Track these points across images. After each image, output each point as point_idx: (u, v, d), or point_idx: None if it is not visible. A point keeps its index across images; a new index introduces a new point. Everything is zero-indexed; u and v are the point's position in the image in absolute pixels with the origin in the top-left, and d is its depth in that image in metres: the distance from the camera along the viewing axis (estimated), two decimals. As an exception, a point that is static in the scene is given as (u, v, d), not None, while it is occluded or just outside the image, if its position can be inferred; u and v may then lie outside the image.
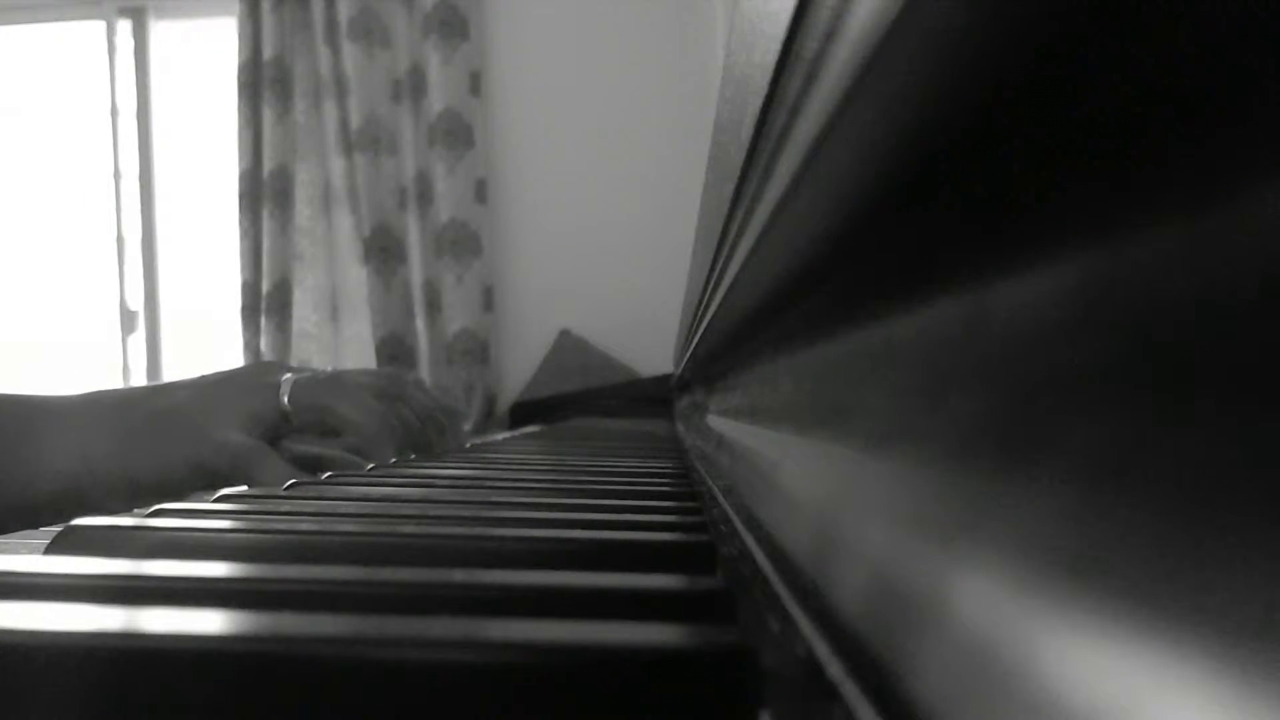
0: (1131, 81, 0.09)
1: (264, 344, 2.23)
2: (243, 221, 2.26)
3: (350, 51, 2.19)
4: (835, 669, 0.12)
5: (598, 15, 2.22)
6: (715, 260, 0.38)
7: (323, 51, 2.22)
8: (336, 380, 0.62)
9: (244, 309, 2.27)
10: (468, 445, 0.82)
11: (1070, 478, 0.08)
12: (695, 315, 0.61)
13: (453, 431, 1.10)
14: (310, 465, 0.63)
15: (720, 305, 0.42)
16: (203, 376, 0.63)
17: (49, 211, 2.55)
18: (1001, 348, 0.11)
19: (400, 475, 0.48)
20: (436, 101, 2.19)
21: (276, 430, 0.60)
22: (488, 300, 2.23)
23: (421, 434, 0.69)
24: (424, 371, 2.21)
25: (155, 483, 0.55)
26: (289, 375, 0.62)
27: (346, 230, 2.28)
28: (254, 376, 0.63)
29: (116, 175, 2.47)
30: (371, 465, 0.55)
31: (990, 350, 0.12)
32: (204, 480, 0.56)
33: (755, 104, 0.19)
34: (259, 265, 2.26)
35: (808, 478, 0.19)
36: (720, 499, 0.30)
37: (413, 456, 0.67)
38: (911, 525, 0.11)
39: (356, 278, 2.27)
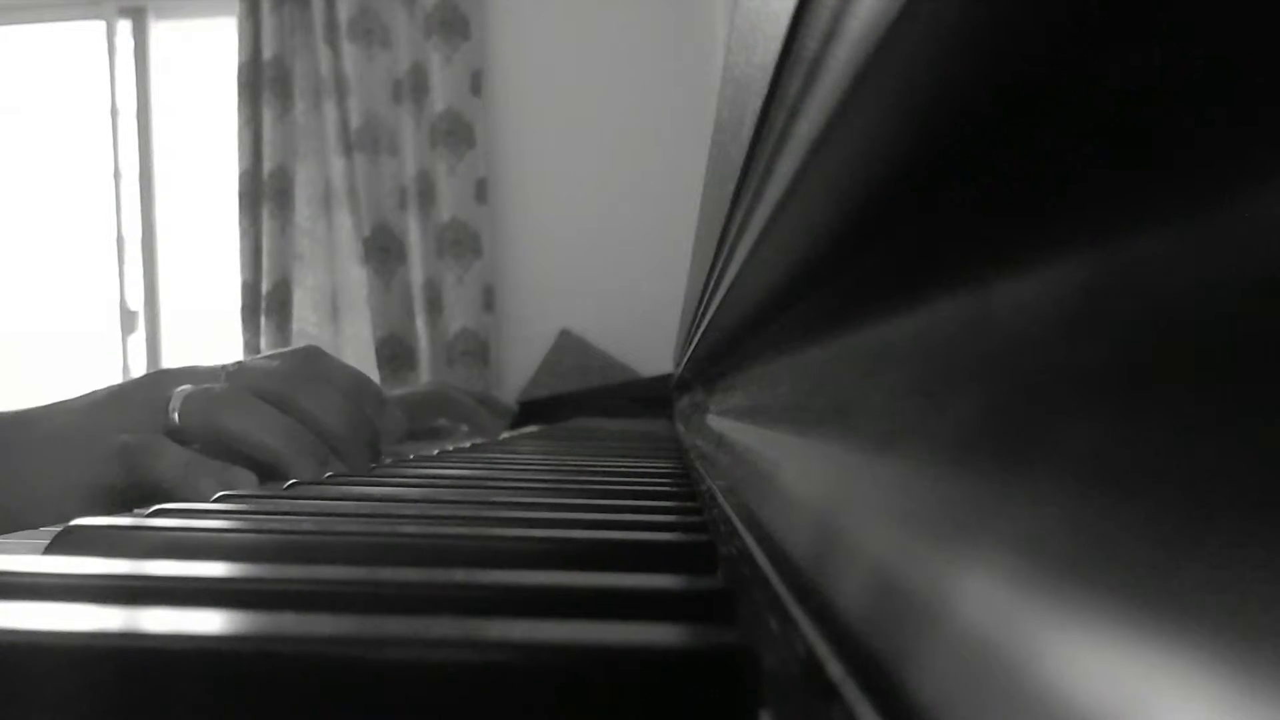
0: (1134, 80, 0.09)
1: (264, 344, 2.23)
2: (243, 221, 2.26)
3: (350, 51, 2.19)
4: (835, 669, 0.12)
5: (598, 15, 2.22)
6: (715, 260, 0.38)
7: (323, 51, 2.22)
8: (233, 394, 0.53)
9: (244, 309, 2.27)
10: (467, 445, 0.82)
11: (1071, 477, 0.08)
12: (695, 315, 0.61)
13: (490, 425, 1.01)
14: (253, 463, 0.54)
15: (720, 305, 0.42)
16: (92, 393, 0.55)
17: (49, 211, 2.55)
18: (1002, 347, 0.11)
19: (400, 475, 0.48)
20: (437, 101, 2.19)
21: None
22: (488, 300, 2.23)
23: (352, 429, 0.56)
24: (424, 371, 2.21)
25: (52, 513, 0.48)
26: (184, 388, 0.53)
27: (346, 230, 2.28)
28: (145, 391, 0.54)
29: (116, 175, 2.47)
30: (291, 482, 0.45)
31: (991, 350, 0.12)
32: (107, 497, 0.49)
33: (755, 104, 0.19)
34: (259, 265, 2.26)
35: (808, 478, 0.19)
36: (720, 499, 0.30)
37: (413, 456, 0.66)
38: (912, 525, 0.11)
39: (356, 278, 2.27)
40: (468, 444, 0.84)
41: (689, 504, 0.36)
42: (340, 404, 0.56)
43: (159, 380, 0.55)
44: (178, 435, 0.51)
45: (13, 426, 0.52)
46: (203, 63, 2.47)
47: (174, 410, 0.52)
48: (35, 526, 0.47)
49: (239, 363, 0.57)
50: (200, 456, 0.49)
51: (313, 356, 0.59)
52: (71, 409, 0.54)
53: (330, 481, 0.45)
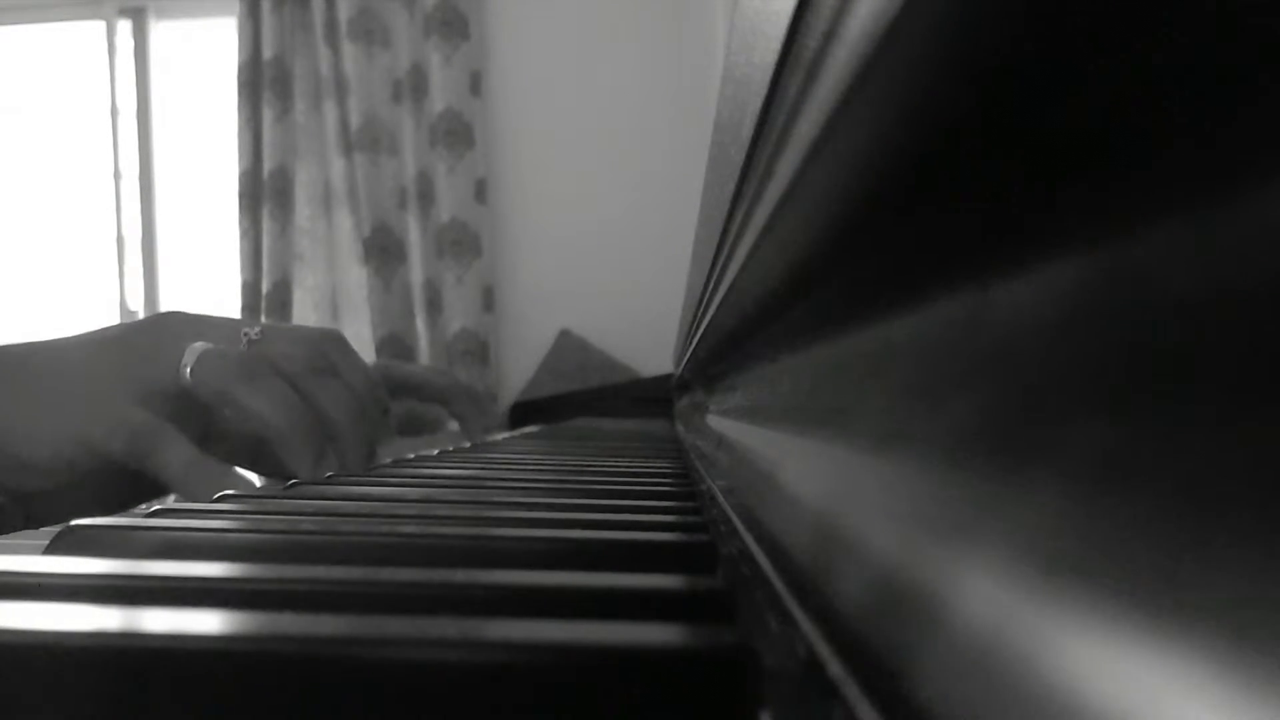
0: (1134, 80, 0.09)
1: (264, 344, 2.23)
2: (243, 221, 2.26)
3: (350, 51, 2.19)
4: (835, 669, 0.12)
5: (598, 15, 2.22)
6: (715, 260, 0.38)
7: (323, 51, 2.22)
8: (250, 363, 0.50)
9: (244, 309, 2.27)
10: (467, 445, 0.82)
11: (1071, 478, 0.08)
12: (695, 315, 0.61)
13: (481, 418, 0.97)
14: (249, 445, 0.54)
15: (720, 305, 0.42)
16: (102, 330, 0.52)
17: (49, 211, 2.55)
18: (1002, 347, 0.11)
19: (400, 475, 0.48)
20: (437, 101, 2.19)
21: (181, 406, 0.50)
22: (488, 300, 2.23)
23: (353, 427, 0.55)
24: (424, 371, 2.21)
25: (41, 460, 0.47)
26: (199, 344, 0.50)
27: (346, 230, 2.28)
28: (158, 334, 0.52)
29: (116, 175, 2.47)
30: (291, 480, 0.44)
31: (991, 350, 0.12)
32: (97, 461, 0.47)
33: (755, 104, 0.19)
34: (259, 265, 2.26)
35: (808, 478, 0.19)
36: (720, 499, 0.30)
37: (414, 456, 0.66)
38: (912, 525, 0.11)
39: (356, 278, 2.27)
40: (467, 444, 0.84)
41: (689, 504, 0.36)
42: (349, 400, 0.55)
43: (169, 325, 0.53)
44: (185, 390, 0.50)
45: (15, 359, 0.50)
46: (203, 63, 2.47)
47: (186, 367, 0.50)
48: (31, 463, 0.47)
49: (261, 328, 0.55)
50: (203, 457, 0.48)
51: (334, 342, 0.57)
52: (77, 345, 0.51)
53: (330, 481, 0.45)
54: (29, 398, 0.48)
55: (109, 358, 0.51)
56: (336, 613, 0.17)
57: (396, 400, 0.72)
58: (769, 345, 0.37)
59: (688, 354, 0.79)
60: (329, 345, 0.57)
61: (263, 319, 2.24)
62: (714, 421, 0.52)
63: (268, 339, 0.54)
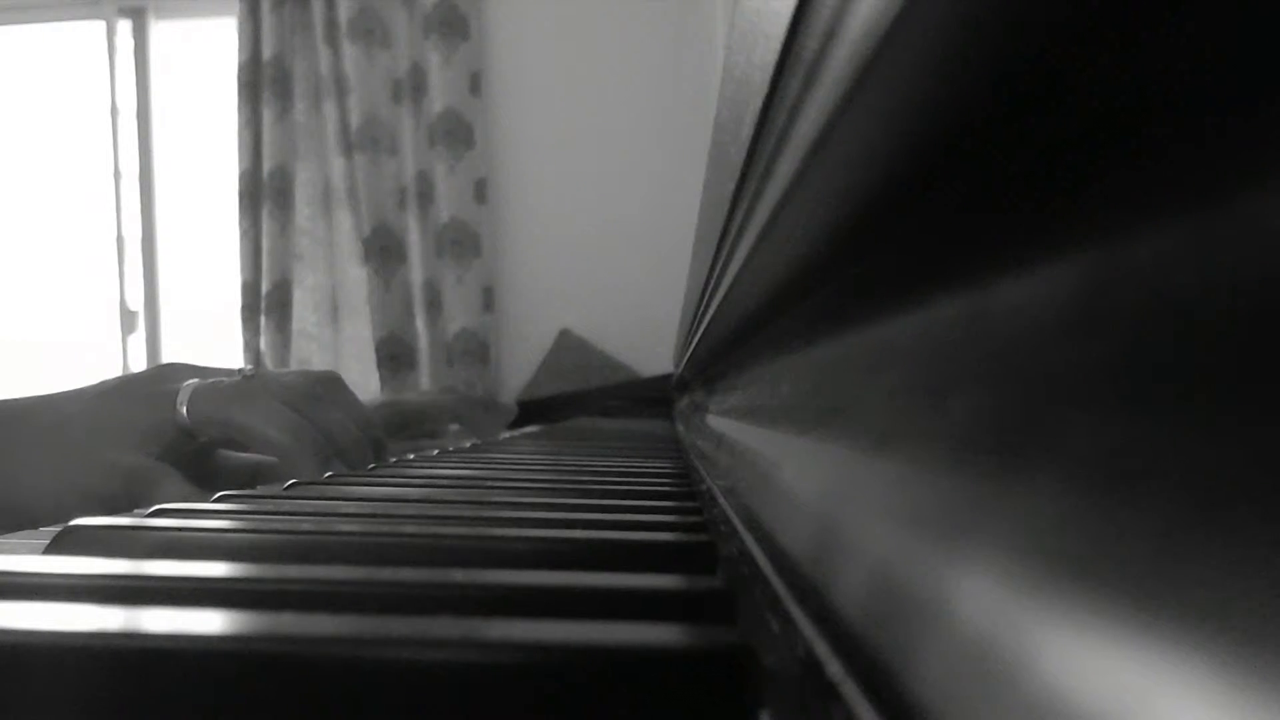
0: (1133, 80, 0.09)
1: (264, 344, 2.23)
2: (243, 221, 2.26)
3: (350, 51, 2.19)
4: (835, 669, 0.12)
5: (598, 15, 2.22)
6: (715, 260, 0.38)
7: (323, 51, 2.22)
8: (244, 386, 0.52)
9: (244, 309, 2.27)
10: (467, 445, 0.82)
11: (1071, 478, 0.08)
12: (695, 315, 0.61)
13: (495, 420, 0.97)
14: (244, 477, 0.56)
15: (720, 305, 0.42)
16: (100, 383, 0.54)
17: (49, 211, 2.55)
18: (1001, 348, 0.11)
19: (400, 475, 0.48)
20: (436, 101, 2.19)
21: (180, 446, 0.51)
22: (488, 300, 2.23)
23: (356, 446, 0.56)
24: (424, 372, 2.21)
25: (46, 512, 0.48)
26: (192, 381, 0.52)
27: (346, 230, 2.27)
28: (150, 384, 0.53)
29: (116, 175, 2.47)
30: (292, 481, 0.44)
31: (990, 350, 0.12)
32: (99, 508, 0.47)
33: (755, 104, 0.19)
34: (259, 265, 2.26)
35: (807, 478, 0.19)
36: (720, 499, 0.30)
37: (414, 456, 0.66)
38: (911, 525, 0.11)
39: (356, 278, 2.27)
40: (467, 444, 0.84)
41: (689, 504, 0.36)
42: (348, 425, 0.56)
43: (164, 374, 0.55)
44: (184, 429, 0.51)
45: (20, 415, 0.51)
46: (203, 63, 2.46)
47: (181, 404, 0.51)
48: (34, 516, 0.47)
49: (255, 369, 0.56)
50: (199, 494, 0.48)
51: (331, 379, 0.59)
52: (78, 398, 0.53)
53: (330, 481, 0.45)
54: (31, 452, 0.49)
55: (107, 407, 0.52)
56: (336, 613, 0.17)
57: (402, 435, 0.73)
58: (769, 345, 0.37)
59: (688, 354, 0.79)
60: (326, 381, 0.58)
61: (262, 319, 2.24)
62: (714, 421, 0.52)
63: (261, 375, 0.56)
